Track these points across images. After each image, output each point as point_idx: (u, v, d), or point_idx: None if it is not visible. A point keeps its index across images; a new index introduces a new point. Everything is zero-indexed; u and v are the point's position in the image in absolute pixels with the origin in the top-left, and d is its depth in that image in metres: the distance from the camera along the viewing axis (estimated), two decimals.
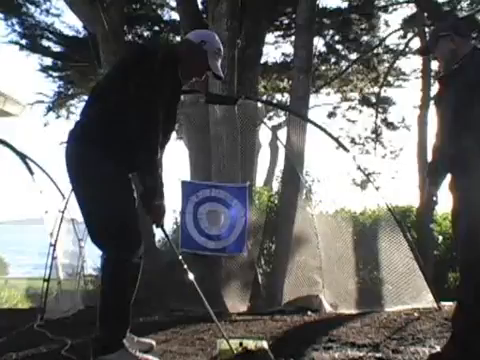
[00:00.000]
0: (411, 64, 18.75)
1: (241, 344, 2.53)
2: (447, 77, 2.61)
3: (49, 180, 5.24)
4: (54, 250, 4.39)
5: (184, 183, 5.04)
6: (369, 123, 13.28)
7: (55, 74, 11.07)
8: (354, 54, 11.55)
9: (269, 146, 14.93)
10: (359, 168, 4.81)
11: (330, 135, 4.72)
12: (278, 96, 13.48)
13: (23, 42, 10.04)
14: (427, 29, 9.43)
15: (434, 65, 9.60)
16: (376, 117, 12.88)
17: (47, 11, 9.93)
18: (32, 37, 10.09)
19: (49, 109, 11.48)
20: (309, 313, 4.13)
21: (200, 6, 8.04)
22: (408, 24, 10.82)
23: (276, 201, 7.84)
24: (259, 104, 7.81)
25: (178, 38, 9.77)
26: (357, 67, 11.91)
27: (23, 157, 4.85)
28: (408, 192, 13.10)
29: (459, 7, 10.04)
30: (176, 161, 7.26)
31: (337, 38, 11.14)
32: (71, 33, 10.40)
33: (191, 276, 2.62)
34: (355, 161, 4.68)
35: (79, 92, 11.59)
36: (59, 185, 5.25)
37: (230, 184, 5.15)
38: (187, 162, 7.18)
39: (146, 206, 2.46)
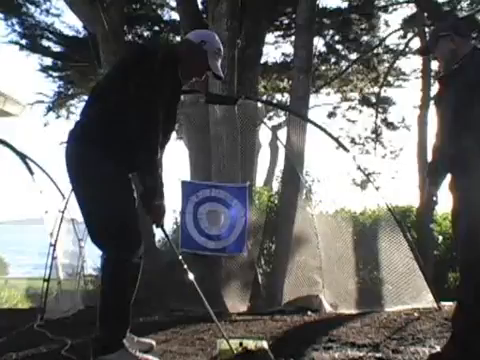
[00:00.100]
0: (411, 64, 18.80)
1: (241, 344, 2.53)
2: (447, 77, 2.61)
3: (49, 180, 5.24)
4: (54, 250, 4.39)
5: (184, 183, 5.04)
6: (369, 123, 13.31)
7: (55, 74, 11.07)
8: (354, 54, 11.56)
9: (269, 146, 14.94)
10: (359, 168, 4.81)
11: (330, 135, 4.72)
12: (278, 96, 13.50)
13: (23, 42, 10.05)
14: (427, 29, 9.43)
15: (434, 65, 9.62)
16: (376, 117, 12.89)
17: (47, 11, 9.95)
18: (32, 37, 10.09)
19: (49, 109, 11.49)
20: (309, 313, 4.13)
21: (200, 6, 8.05)
22: (408, 24, 10.82)
23: (276, 201, 7.84)
24: (259, 104, 7.81)
25: (178, 38, 9.77)
26: (357, 67, 11.91)
27: (23, 157, 4.85)
28: (408, 192, 13.12)
29: (459, 7, 10.05)
30: (176, 161, 7.27)
31: (337, 38, 11.15)
32: (71, 33, 10.43)
33: (191, 276, 2.62)
34: (355, 161, 4.68)
35: (79, 92, 11.59)
36: (59, 185, 5.26)
37: (230, 184, 5.15)
38: (187, 162, 7.19)
39: (146, 206, 2.46)
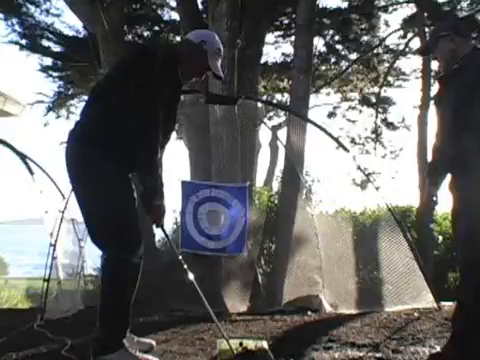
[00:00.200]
0: (411, 64, 18.81)
1: (241, 344, 2.53)
2: (447, 77, 2.61)
3: (49, 180, 5.24)
4: (54, 250, 4.39)
5: (184, 183, 5.04)
6: (369, 123, 13.31)
7: (55, 74, 11.07)
8: (354, 54, 11.56)
9: (269, 146, 14.94)
10: (359, 168, 4.81)
11: (330, 135, 4.72)
12: (278, 96, 13.50)
13: (23, 42, 10.05)
14: (427, 29, 9.43)
15: (434, 65, 9.62)
16: (376, 117, 12.89)
17: (47, 11, 9.95)
18: (32, 37, 10.09)
19: (49, 109, 11.49)
20: (309, 313, 4.13)
21: (200, 6, 8.05)
22: (408, 24, 10.82)
23: (276, 201, 7.84)
24: (259, 104, 7.81)
25: (178, 38, 9.77)
26: (357, 67, 11.91)
27: (23, 157, 4.85)
28: (408, 192, 13.12)
29: (459, 7, 10.05)
30: (176, 161, 7.27)
31: (337, 38, 11.15)
32: (71, 33, 10.43)
33: (191, 276, 2.62)
34: (355, 161, 4.68)
35: (79, 92, 11.59)
36: (59, 185, 5.26)
37: (230, 184, 5.15)
38: (187, 162, 7.19)
39: (146, 206, 2.46)
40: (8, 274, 15.50)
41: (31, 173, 4.81)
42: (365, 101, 13.10)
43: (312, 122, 4.95)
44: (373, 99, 12.83)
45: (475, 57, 2.51)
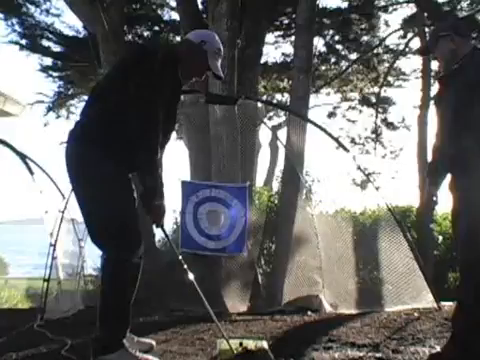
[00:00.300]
0: (411, 64, 18.80)
1: (241, 344, 2.53)
2: (447, 77, 2.61)
3: (49, 180, 5.24)
4: (54, 250, 4.39)
5: (184, 183, 5.04)
6: (369, 123, 13.31)
7: (55, 74, 11.07)
8: (354, 54, 11.56)
9: (269, 146, 14.94)
10: (359, 168, 4.81)
11: (330, 135, 4.72)
12: (278, 96, 13.50)
13: (23, 42, 10.05)
14: (427, 29, 9.43)
15: (434, 65, 9.62)
16: (376, 117, 12.89)
17: (47, 11, 9.95)
18: (32, 37, 10.09)
19: (49, 109, 11.49)
20: (309, 313, 4.13)
21: (200, 6, 8.05)
22: (408, 24, 10.82)
23: (276, 201, 7.84)
24: (259, 104, 7.81)
25: (178, 38, 9.77)
26: (357, 67, 11.91)
27: (23, 157, 4.85)
28: (408, 192, 13.12)
29: (459, 7, 10.05)
30: (176, 161, 7.27)
31: (337, 38, 11.15)
32: (71, 33, 10.43)
33: (191, 276, 2.62)
34: (355, 161, 4.68)
35: (79, 92, 11.59)
36: (59, 185, 5.26)
37: (230, 184, 5.15)
38: (187, 162, 7.19)
39: (146, 206, 2.45)
40: (8, 274, 15.50)
41: (31, 173, 4.81)
42: (365, 101, 13.10)
43: (312, 122, 4.95)
44: (373, 99, 12.83)
45: (475, 57, 2.51)
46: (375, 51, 11.59)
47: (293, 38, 8.66)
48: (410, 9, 10.87)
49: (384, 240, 4.40)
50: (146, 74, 2.37)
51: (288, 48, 11.82)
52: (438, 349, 2.66)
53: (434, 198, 2.65)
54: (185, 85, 2.75)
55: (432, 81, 9.77)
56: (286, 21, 10.32)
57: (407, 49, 11.45)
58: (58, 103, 11.59)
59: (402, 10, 11.52)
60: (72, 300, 4.74)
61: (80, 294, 5.05)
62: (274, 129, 13.42)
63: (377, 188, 4.44)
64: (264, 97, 12.38)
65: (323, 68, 11.95)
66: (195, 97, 5.44)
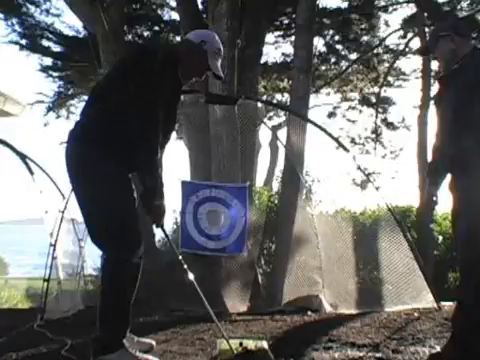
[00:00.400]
0: (411, 64, 18.82)
1: (241, 344, 2.53)
2: (447, 77, 2.61)
3: (49, 180, 5.24)
4: (54, 250, 4.39)
5: (184, 183, 5.04)
6: (369, 123, 13.31)
7: (55, 74, 11.07)
8: (354, 54, 11.56)
9: (269, 146, 14.94)
10: (359, 168, 4.81)
11: (330, 135, 4.72)
12: (278, 96, 13.50)
13: (23, 42, 10.05)
14: (427, 29, 9.43)
15: (434, 65, 9.62)
16: (376, 117, 12.89)
17: (47, 11, 9.95)
18: (32, 37, 10.09)
19: (49, 109, 11.49)
20: (309, 313, 4.13)
21: (200, 6, 8.05)
22: (408, 24, 10.82)
23: (276, 201, 7.84)
24: (259, 104, 7.81)
25: (178, 38, 9.77)
26: (357, 67, 11.91)
27: (23, 157, 4.85)
28: (408, 192, 13.12)
29: (459, 7, 10.05)
30: (176, 161, 7.27)
31: (337, 38, 11.15)
32: (71, 33, 10.43)
33: (191, 276, 2.62)
34: (355, 161, 4.68)
35: (79, 92, 11.59)
36: (59, 185, 5.26)
37: (230, 184, 5.15)
38: (187, 162, 7.19)
39: (146, 206, 2.45)
40: (8, 274, 15.50)
41: (31, 173, 4.81)
42: (365, 101, 13.10)
43: (312, 122, 4.95)
44: (373, 99, 12.83)
45: (475, 57, 2.51)
46: (375, 51, 11.59)
47: (293, 38, 8.66)
48: (410, 9, 10.89)
49: (384, 240, 4.40)
50: (146, 74, 2.37)
51: (288, 48, 11.85)
52: (438, 349, 2.66)
53: (434, 198, 2.65)
54: (185, 85, 2.75)
55: (432, 81, 9.77)
56: (286, 21, 10.32)
57: (407, 49, 11.46)
58: (58, 103, 11.59)
59: (402, 10, 11.55)
60: (72, 300, 4.74)
61: (80, 294, 5.05)
62: (274, 129, 13.42)
63: (377, 188, 4.44)
64: (264, 97, 12.39)
65: (323, 68, 11.95)
66: (195, 97, 5.44)
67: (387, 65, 11.88)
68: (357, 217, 8.58)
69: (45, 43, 10.36)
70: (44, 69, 10.81)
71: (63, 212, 4.56)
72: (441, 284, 6.92)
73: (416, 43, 11.29)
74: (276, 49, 12.24)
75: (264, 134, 19.99)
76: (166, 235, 2.76)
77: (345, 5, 10.49)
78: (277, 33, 10.87)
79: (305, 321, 3.78)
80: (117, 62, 2.84)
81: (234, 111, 4.87)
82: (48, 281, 4.23)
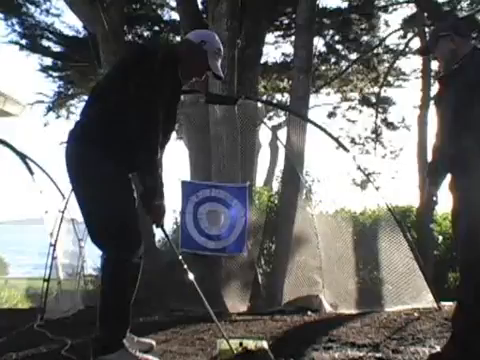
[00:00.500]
0: (411, 64, 18.82)
1: (241, 344, 2.53)
2: (447, 77, 2.61)
3: (49, 180, 5.24)
4: (54, 250, 4.39)
5: (184, 183, 5.04)
6: (369, 123, 13.31)
7: (55, 74, 11.07)
8: (354, 54, 11.56)
9: (269, 146, 14.94)
10: (359, 168, 4.81)
11: (330, 135, 4.72)
12: (278, 96, 13.50)
13: (23, 42, 10.05)
14: (427, 29, 9.43)
15: (434, 65, 9.62)
16: (376, 117, 12.89)
17: (47, 11, 9.95)
18: (32, 37, 10.09)
19: (49, 109, 11.49)
20: (309, 313, 4.13)
21: (200, 6, 8.05)
22: (408, 24, 10.82)
23: (276, 201, 7.84)
24: (259, 104, 7.81)
25: (178, 38, 9.77)
26: (357, 67, 11.91)
27: (23, 157, 4.85)
28: (408, 192, 13.12)
29: (459, 7, 10.05)
30: (176, 161, 7.27)
31: (337, 38, 11.15)
32: (71, 33, 10.43)
33: (191, 276, 2.62)
34: (355, 161, 4.68)
35: (79, 92, 11.59)
36: (59, 185, 5.26)
37: (230, 184, 5.15)
38: (187, 162, 7.19)
39: (146, 206, 2.45)
40: (8, 274, 15.50)
41: (31, 173, 4.81)
42: (365, 101, 13.10)
43: (312, 122, 4.95)
44: (373, 99, 12.83)
45: (475, 57, 2.51)
46: (375, 51, 11.59)
47: (293, 38, 8.66)
48: (410, 9, 10.89)
49: (384, 240, 4.40)
50: (146, 74, 2.37)
51: (288, 48, 11.85)
52: (438, 349, 2.66)
53: (434, 198, 2.65)
54: (185, 85, 2.75)
55: (432, 81, 9.77)
56: (286, 21, 10.32)
57: (407, 49, 11.46)
58: (58, 103, 11.59)
59: (402, 10, 11.55)
60: (72, 300, 4.74)
61: (80, 294, 5.05)
62: (274, 129, 13.42)
63: (377, 188, 4.44)
64: (264, 97, 12.39)
65: (323, 68, 11.95)
66: (195, 97, 5.44)
67: (387, 65, 11.88)
68: (357, 217, 8.58)
69: (45, 43, 10.38)
70: (44, 69, 10.81)
71: (63, 212, 4.56)
72: (441, 284, 6.92)
73: (416, 43, 11.32)
74: (276, 49, 12.27)
75: (264, 134, 20.03)
76: (166, 235, 2.76)
77: (345, 5, 10.51)
78: (277, 33, 10.88)
79: (305, 321, 3.78)
80: (117, 62, 2.84)
81: (234, 111, 4.87)
82: (48, 281, 4.23)
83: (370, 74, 11.90)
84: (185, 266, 2.64)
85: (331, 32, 10.95)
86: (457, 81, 2.45)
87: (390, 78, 12.35)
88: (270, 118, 14.19)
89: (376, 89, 12.45)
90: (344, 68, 11.78)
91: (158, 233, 5.35)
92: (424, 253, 6.24)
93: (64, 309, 4.30)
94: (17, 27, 9.76)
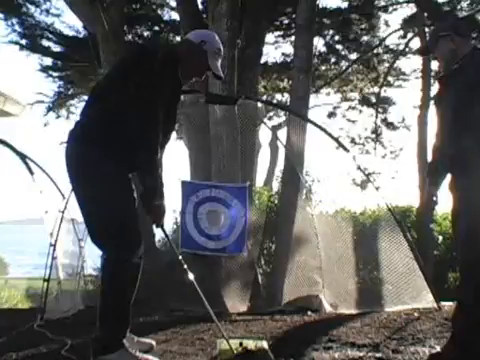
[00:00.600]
0: (411, 64, 18.83)
1: (241, 344, 2.53)
2: (447, 77, 2.61)
3: (49, 180, 5.24)
4: (54, 250, 4.39)
5: (184, 183, 5.04)
6: (369, 123, 13.31)
7: (55, 74, 11.08)
8: (354, 54, 11.56)
9: (269, 146, 14.94)
10: (359, 168, 4.81)
11: (330, 135, 4.72)
12: (278, 96, 13.50)
13: (23, 42, 10.06)
14: (427, 29, 9.43)
15: (434, 65, 9.62)
16: (376, 117, 12.89)
17: (47, 11, 9.95)
18: (32, 37, 10.09)
19: (49, 109, 11.49)
20: (309, 313, 4.13)
21: (200, 6, 8.05)
22: (408, 24, 10.82)
23: (276, 201, 7.84)
24: (259, 104, 7.81)
25: (178, 38, 9.77)
26: (357, 67, 11.91)
27: (23, 157, 4.85)
28: (408, 192, 13.12)
29: (459, 7, 10.05)
30: (176, 161, 7.27)
31: (337, 38, 11.15)
32: (71, 33, 10.43)
33: (191, 276, 2.62)
34: (355, 161, 4.68)
35: (79, 92, 11.59)
36: (59, 185, 5.26)
37: (230, 184, 5.15)
38: (187, 162, 7.19)
39: (146, 206, 2.45)
40: (8, 274, 15.50)
41: (31, 173, 4.81)
42: (365, 101, 13.10)
43: (312, 122, 4.95)
44: (373, 99, 12.83)
45: (475, 57, 2.51)
46: (375, 51, 11.59)
47: (293, 38, 8.66)
48: (410, 9, 10.89)
49: (384, 240, 4.40)
50: (146, 74, 2.37)
51: (288, 48, 11.85)
52: (438, 349, 2.66)
53: (434, 198, 2.65)
54: (185, 85, 2.75)
55: (432, 81, 9.77)
56: (286, 21, 10.32)
57: (407, 49, 11.46)
58: (58, 103, 11.59)
59: (402, 10, 11.55)
60: (72, 300, 4.74)
61: (80, 294, 5.05)
62: (274, 129, 13.42)
63: (377, 188, 4.44)
64: (264, 97, 12.39)
65: (323, 68, 11.95)
66: (195, 97, 5.44)
67: (387, 65, 11.89)
68: (357, 217, 8.58)
69: (45, 43, 10.38)
70: (44, 69, 10.81)
71: (63, 212, 4.56)
72: (441, 284, 6.92)
73: (416, 43, 11.32)
74: (276, 49, 12.27)
75: (264, 134, 20.03)
76: (166, 235, 2.76)
77: (345, 5, 10.51)
78: (277, 33, 10.88)
79: (305, 321, 3.78)
80: (117, 62, 2.84)
81: (234, 111, 4.87)
82: (48, 281, 4.23)
83: (370, 74, 11.90)
84: (185, 266, 2.64)
85: (331, 32, 10.95)
86: (457, 81, 2.45)
87: (390, 78, 12.35)
88: (270, 118, 14.21)
89: (376, 89, 12.46)
90: (344, 68, 11.78)
91: (158, 233, 5.35)
92: (424, 253, 6.24)
93: (64, 309, 4.30)
94: (17, 27, 9.78)
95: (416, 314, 3.77)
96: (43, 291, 4.19)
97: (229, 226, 4.88)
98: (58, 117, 11.88)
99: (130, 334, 2.58)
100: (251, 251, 5.15)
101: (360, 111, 13.46)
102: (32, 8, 9.82)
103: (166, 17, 10.66)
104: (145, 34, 10.43)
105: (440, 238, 8.63)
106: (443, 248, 8.50)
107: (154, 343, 2.77)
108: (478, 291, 2.36)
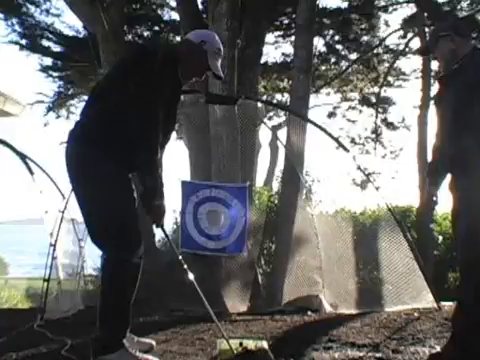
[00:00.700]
0: (411, 64, 18.83)
1: (241, 344, 2.53)
2: (447, 77, 2.61)
3: (49, 180, 5.24)
4: (54, 250, 4.39)
5: (184, 183, 5.04)
6: (369, 123, 13.31)
7: (55, 74, 11.08)
8: (354, 54, 11.56)
9: (269, 146, 14.94)
10: (359, 168, 4.81)
11: (330, 135, 4.72)
12: (278, 96, 13.50)
13: (23, 42, 10.06)
14: (427, 29, 9.43)
15: (434, 65, 9.62)
16: (376, 117, 12.89)
17: (47, 11, 9.95)
18: (32, 37, 10.09)
19: (49, 109, 11.49)
20: (309, 313, 4.13)
21: (200, 6, 8.05)
22: (408, 24, 10.82)
23: (276, 201, 7.84)
24: (259, 104, 7.81)
25: (178, 38, 9.77)
26: (357, 67, 11.91)
27: (23, 157, 4.85)
28: (408, 192, 13.12)
29: (459, 7, 10.05)
30: (176, 161, 7.27)
31: (337, 38, 11.15)
32: (71, 33, 10.43)
33: (191, 276, 2.62)
34: (355, 161, 4.68)
35: (79, 92, 11.59)
36: (59, 185, 5.26)
37: (230, 184, 5.15)
38: (187, 162, 7.19)
39: (146, 206, 2.46)
40: (8, 274, 15.50)
41: (31, 173, 4.81)
42: (365, 101, 13.10)
43: (312, 122, 4.95)
44: (373, 99, 12.83)
45: (475, 57, 2.51)
46: (375, 51, 11.60)
47: (293, 38, 8.66)
48: (410, 9, 10.89)
49: (384, 240, 4.40)
50: (146, 74, 2.37)
51: (288, 48, 11.85)
52: (438, 349, 2.66)
53: (434, 198, 2.65)
54: (185, 85, 2.75)
55: (432, 81, 9.77)
56: (286, 21, 10.32)
57: (407, 49, 11.46)
58: (58, 103, 11.59)
59: (402, 10, 11.56)
60: (72, 300, 4.74)
61: (80, 294, 5.05)
62: (274, 129, 13.42)
63: (377, 188, 4.44)
64: (264, 97, 12.39)
65: (323, 68, 11.95)
66: (195, 97, 5.44)
67: (387, 65, 11.89)
68: (357, 217, 8.58)
69: (45, 43, 10.38)
70: (44, 69, 10.81)
71: (63, 212, 4.56)
72: (441, 284, 6.92)
73: (416, 43, 11.32)
74: (276, 49, 12.27)
75: (264, 134, 20.03)
76: (166, 235, 2.76)
77: (345, 5, 10.51)
78: (277, 33, 10.88)
79: (305, 321, 3.78)
80: (117, 62, 2.84)
81: (234, 111, 4.87)
82: (48, 281, 4.23)
83: (370, 74, 11.90)
84: (185, 266, 2.64)
85: (331, 32, 10.95)
86: (457, 81, 2.45)
87: (390, 78, 12.35)
88: (270, 118, 14.21)
89: (376, 89, 12.46)
90: (344, 68, 11.78)
91: (158, 233, 5.35)
92: (424, 253, 6.24)
93: (64, 309, 4.30)
94: (17, 27, 9.78)
95: (416, 314, 3.77)
96: (43, 291, 4.19)
97: (229, 226, 4.88)
98: (58, 117, 11.89)
99: (130, 334, 2.58)
100: (251, 251, 5.15)
101: (360, 111, 13.47)
102: (32, 8, 9.84)
103: (166, 17, 10.68)
104: (145, 34, 10.43)
105: (440, 238, 8.63)
106: (443, 248, 8.50)
107: (154, 343, 2.77)
108: (478, 291, 2.36)
